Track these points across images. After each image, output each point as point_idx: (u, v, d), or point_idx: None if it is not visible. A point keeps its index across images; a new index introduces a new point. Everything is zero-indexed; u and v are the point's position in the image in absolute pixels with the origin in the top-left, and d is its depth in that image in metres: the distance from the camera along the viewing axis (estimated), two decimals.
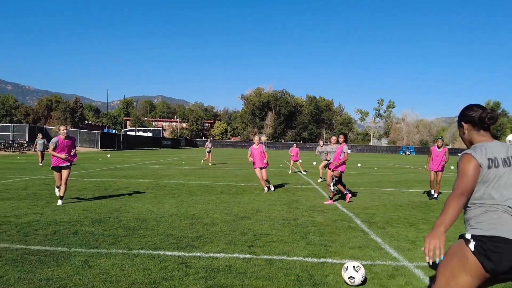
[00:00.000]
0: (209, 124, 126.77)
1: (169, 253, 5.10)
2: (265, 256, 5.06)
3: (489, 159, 2.38)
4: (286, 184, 14.52)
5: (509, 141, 7.60)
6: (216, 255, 5.06)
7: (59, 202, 8.64)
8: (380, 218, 8.13)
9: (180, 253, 5.09)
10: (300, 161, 20.75)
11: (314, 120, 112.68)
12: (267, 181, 12.03)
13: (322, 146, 17.93)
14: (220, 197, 10.45)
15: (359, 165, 31.36)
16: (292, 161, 20.38)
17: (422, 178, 18.74)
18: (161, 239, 5.82)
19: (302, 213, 8.36)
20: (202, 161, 26.80)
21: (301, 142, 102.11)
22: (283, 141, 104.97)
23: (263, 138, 14.33)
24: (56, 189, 9.13)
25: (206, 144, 27.07)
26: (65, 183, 8.86)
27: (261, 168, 11.94)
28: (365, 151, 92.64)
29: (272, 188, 12.07)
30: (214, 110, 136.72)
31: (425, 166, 12.09)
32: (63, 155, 8.79)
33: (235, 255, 5.09)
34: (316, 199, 10.70)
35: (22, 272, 4.24)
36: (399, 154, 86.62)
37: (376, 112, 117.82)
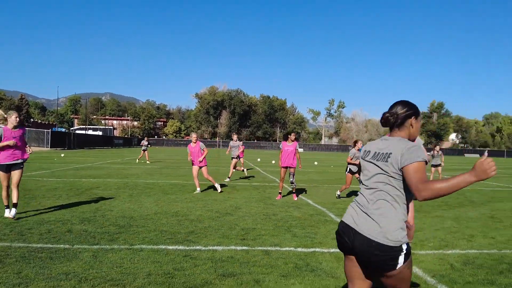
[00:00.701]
0: (162, 123, 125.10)
1: (170, 247, 5.42)
2: (260, 248, 5.51)
3: (364, 151, 2.68)
4: (253, 182, 14.98)
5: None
6: (215, 248, 5.45)
7: (12, 212, 7.00)
8: None
9: (181, 247, 5.43)
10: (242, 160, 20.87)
11: (268, 119, 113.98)
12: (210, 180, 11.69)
13: (235, 141, 16.40)
14: (195, 195, 10.76)
15: (315, 163, 32.44)
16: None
17: None
18: (156, 235, 6.11)
19: (279, 209, 8.86)
20: (137, 159, 26.96)
21: (256, 141, 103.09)
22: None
23: (194, 135, 13.32)
24: (6, 211, 7.13)
25: (142, 142, 27.36)
26: (17, 187, 7.24)
27: (200, 167, 11.68)
28: (317, 150, 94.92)
29: (219, 189, 11.58)
30: (167, 109, 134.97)
31: None
32: (11, 141, 6.99)
33: (232, 247, 5.50)
34: (285, 196, 11.23)
35: (37, 268, 4.43)
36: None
37: (327, 112, 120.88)
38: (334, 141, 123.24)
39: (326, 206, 9.47)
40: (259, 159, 34.81)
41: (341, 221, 2.61)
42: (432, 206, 10.22)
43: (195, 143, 11.69)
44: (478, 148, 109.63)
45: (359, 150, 11.15)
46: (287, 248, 5.52)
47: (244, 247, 5.50)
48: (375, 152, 2.57)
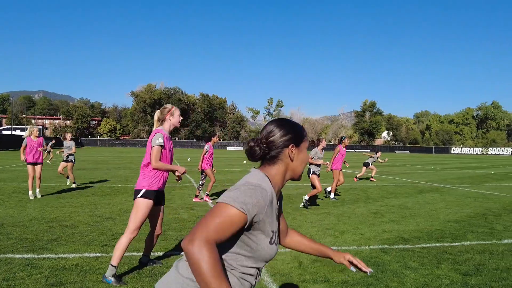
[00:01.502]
0: (96, 122, 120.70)
1: (18, 256, 5.15)
2: None
3: None
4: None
5: None
6: (66, 255, 5.23)
7: None
8: None
9: (30, 256, 5.17)
10: None
11: (207, 118, 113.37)
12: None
13: (68, 141, 13.56)
14: (90, 199, 10.38)
15: (244, 162, 32.60)
16: None
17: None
18: (14, 243, 5.79)
19: (170, 211, 8.75)
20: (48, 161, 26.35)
21: (195, 140, 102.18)
22: (176, 139, 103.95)
23: (36, 129, 12.24)
24: None
25: (49, 144, 26.53)
26: None
27: (36, 164, 10.57)
28: None
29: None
30: (102, 107, 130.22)
31: (328, 164, 11.31)
32: None
33: (86, 254, 5.31)
34: (190, 196, 11.15)
35: None
36: None
37: (266, 111, 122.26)
38: None
39: None
40: (189, 159, 34.47)
41: None
42: (327, 202, 10.55)
43: (36, 137, 10.63)
44: (408, 145, 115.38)
45: (322, 150, 10.55)
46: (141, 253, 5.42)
47: (99, 254, 5.33)
48: None
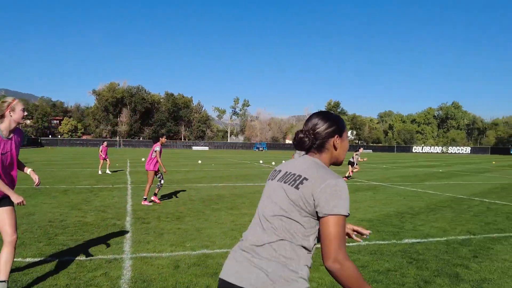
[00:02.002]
0: (58, 121, 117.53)
1: None
2: None
3: (274, 170, 2.03)
4: (96, 185, 14.32)
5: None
6: None
7: None
8: (155, 213, 8.64)
9: None
10: (108, 161, 19.70)
11: (172, 118, 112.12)
12: None
13: None
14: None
15: (199, 161, 32.28)
16: (101, 160, 19.45)
17: (249, 173, 20.10)
18: None
19: (77, 213, 8.42)
20: None
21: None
22: (140, 139, 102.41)
23: None
24: None
25: None
26: None
27: None
28: (223, 148, 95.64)
29: None
30: (64, 106, 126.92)
31: None
32: None
33: None
34: (113, 198, 10.82)
35: None
36: (253, 150, 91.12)
37: (232, 110, 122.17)
38: (240, 138, 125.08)
39: (136, 209, 9.22)
40: (143, 159, 33.88)
41: (220, 279, 1.84)
42: (254, 203, 10.43)
43: None
44: (371, 144, 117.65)
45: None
46: (20, 259, 5.12)
47: None
48: (286, 172, 1.91)
